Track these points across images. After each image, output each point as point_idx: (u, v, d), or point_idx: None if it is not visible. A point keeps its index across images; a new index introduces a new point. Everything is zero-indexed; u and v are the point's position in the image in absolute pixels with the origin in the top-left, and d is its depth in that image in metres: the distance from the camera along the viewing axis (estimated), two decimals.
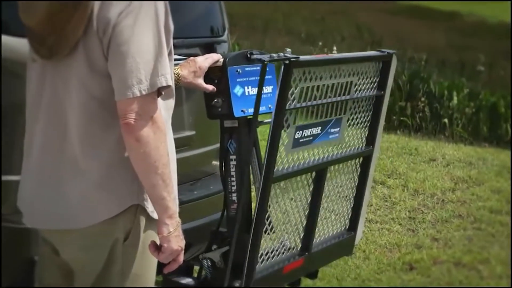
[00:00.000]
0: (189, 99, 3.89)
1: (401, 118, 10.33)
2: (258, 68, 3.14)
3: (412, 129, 10.23)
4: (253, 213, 3.06)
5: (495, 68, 13.87)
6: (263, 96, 3.05)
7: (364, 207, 3.74)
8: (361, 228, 3.77)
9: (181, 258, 2.67)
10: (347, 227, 3.72)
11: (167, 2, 2.57)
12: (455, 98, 10.38)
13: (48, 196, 2.64)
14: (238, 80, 3.17)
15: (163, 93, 2.57)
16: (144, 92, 2.46)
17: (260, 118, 3.10)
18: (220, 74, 3.17)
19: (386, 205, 6.77)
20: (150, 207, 2.63)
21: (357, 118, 3.51)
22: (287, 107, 2.97)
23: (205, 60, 3.17)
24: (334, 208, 3.61)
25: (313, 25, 18.97)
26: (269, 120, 2.97)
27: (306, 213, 3.39)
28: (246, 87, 3.17)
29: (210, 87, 3.17)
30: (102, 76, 2.51)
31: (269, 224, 3.19)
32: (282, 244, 3.33)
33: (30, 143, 2.69)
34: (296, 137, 3.12)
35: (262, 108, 3.16)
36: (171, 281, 3.32)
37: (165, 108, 2.68)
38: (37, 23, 2.52)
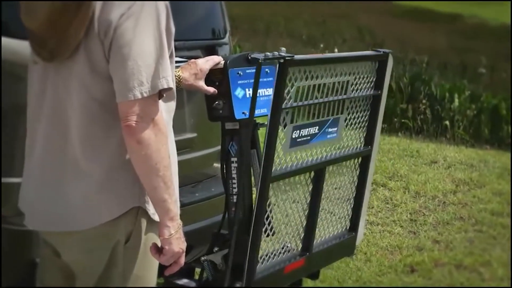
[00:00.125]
0: (190, 101, 3.89)
1: (403, 120, 10.33)
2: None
3: (414, 131, 10.23)
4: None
5: (496, 70, 13.88)
6: (264, 98, 3.05)
7: (365, 208, 3.75)
8: (362, 228, 3.77)
9: (182, 260, 2.67)
10: (347, 228, 3.73)
11: (168, 4, 2.57)
12: (456, 101, 10.38)
13: (49, 198, 2.64)
14: (239, 82, 3.17)
15: (164, 95, 2.57)
16: (145, 94, 2.47)
17: (262, 121, 3.10)
18: (221, 76, 3.17)
19: (388, 207, 6.77)
20: (151, 209, 2.63)
21: (355, 118, 3.52)
22: (283, 106, 2.97)
23: (206, 62, 3.17)
24: (334, 209, 3.61)
25: (314, 28, 18.99)
26: None
27: (306, 214, 3.39)
28: (247, 89, 3.17)
29: (211, 89, 3.17)
30: (103, 78, 2.51)
31: (269, 225, 3.19)
32: (284, 247, 3.33)
33: (32, 145, 2.70)
34: (293, 136, 3.12)
35: (263, 110, 3.17)
36: (172, 283, 3.32)
37: (166, 110, 2.68)
38: (39, 25, 2.52)
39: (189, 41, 3.89)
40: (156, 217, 2.63)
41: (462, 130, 10.15)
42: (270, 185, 3.05)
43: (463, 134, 10.09)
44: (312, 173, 3.36)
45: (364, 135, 3.63)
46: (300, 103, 3.10)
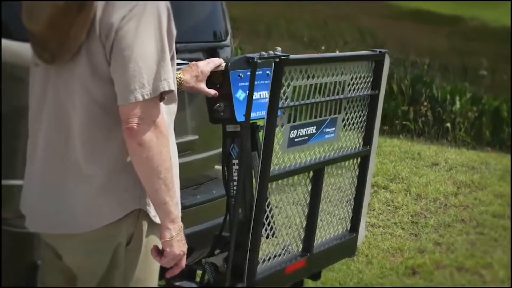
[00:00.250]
0: (191, 104, 3.89)
1: (404, 123, 10.33)
2: (260, 72, 3.14)
3: (415, 134, 10.23)
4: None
5: (498, 72, 13.87)
6: (264, 100, 3.05)
7: (365, 208, 3.75)
8: (362, 229, 3.78)
9: (184, 263, 2.67)
10: (348, 229, 3.73)
11: (169, 6, 2.57)
12: (457, 103, 10.38)
13: (51, 200, 2.64)
14: (240, 84, 3.17)
15: (165, 97, 2.57)
16: (146, 97, 2.47)
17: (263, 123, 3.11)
18: (222, 78, 3.17)
19: (389, 209, 6.77)
20: (152, 212, 2.64)
21: (352, 118, 3.52)
22: (280, 106, 2.98)
23: (207, 65, 3.18)
24: (335, 209, 3.62)
25: (315, 30, 18.99)
26: None
27: (305, 214, 3.39)
28: (247, 91, 3.17)
29: (212, 91, 3.17)
30: (104, 81, 2.52)
31: (269, 226, 3.19)
32: (284, 247, 3.34)
33: (33, 147, 2.70)
34: (291, 136, 3.13)
35: (264, 113, 3.17)
36: (174, 285, 3.32)
37: (167, 112, 2.68)
38: (40, 27, 2.53)
39: (190, 43, 3.89)
40: (157, 220, 2.63)
41: (463, 132, 10.14)
42: (270, 185, 3.06)
43: (464, 136, 10.09)
44: (311, 173, 3.36)
45: (363, 135, 3.63)
46: (297, 103, 3.11)
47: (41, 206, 2.67)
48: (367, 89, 3.56)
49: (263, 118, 3.09)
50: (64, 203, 2.61)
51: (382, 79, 3.60)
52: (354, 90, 3.46)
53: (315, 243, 3.44)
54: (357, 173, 3.67)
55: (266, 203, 3.09)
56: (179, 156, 2.83)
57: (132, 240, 2.66)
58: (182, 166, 2.85)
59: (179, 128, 2.96)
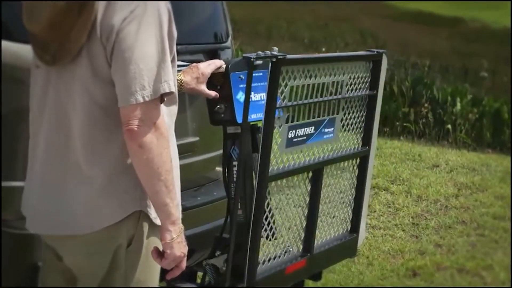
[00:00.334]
0: (192, 105, 3.89)
1: (405, 124, 10.33)
2: (261, 73, 3.14)
3: (416, 135, 10.23)
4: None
5: (498, 74, 13.88)
6: (263, 102, 3.05)
7: (365, 209, 3.75)
8: (363, 230, 3.78)
9: (184, 265, 2.67)
10: (348, 229, 3.73)
11: (170, 8, 2.58)
12: (458, 104, 10.39)
13: (52, 201, 2.64)
14: (241, 86, 3.17)
15: (166, 99, 2.57)
16: (147, 99, 2.47)
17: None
18: (223, 80, 3.18)
19: (390, 211, 6.77)
20: (153, 213, 2.64)
21: (351, 118, 3.53)
22: (277, 106, 2.98)
23: (208, 66, 3.18)
24: (335, 210, 3.62)
25: (316, 31, 19.01)
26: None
27: (305, 215, 3.39)
28: None
29: (212, 93, 3.17)
30: (105, 83, 2.52)
31: (269, 227, 3.19)
32: (285, 250, 3.34)
33: (34, 148, 2.70)
34: (289, 136, 3.13)
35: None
36: (174, 287, 3.32)
37: (168, 114, 2.68)
38: (41, 29, 2.53)
39: (191, 45, 3.89)
40: (157, 221, 2.63)
41: (464, 134, 10.14)
42: (269, 186, 3.06)
43: (465, 138, 10.09)
44: (310, 174, 3.36)
45: (362, 135, 3.64)
46: (295, 103, 3.11)
47: (42, 207, 2.67)
48: (365, 89, 3.57)
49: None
50: (65, 204, 2.61)
51: (380, 79, 3.61)
52: (352, 90, 3.47)
53: (315, 244, 3.44)
54: (356, 174, 3.68)
55: (266, 204, 3.09)
56: (180, 158, 2.83)
57: (133, 241, 2.66)
58: (182, 167, 2.85)
59: (180, 129, 2.96)
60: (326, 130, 3.35)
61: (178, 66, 2.81)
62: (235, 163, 3.24)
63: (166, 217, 2.58)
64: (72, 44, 2.49)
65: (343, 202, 3.66)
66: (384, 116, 10.28)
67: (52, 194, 2.64)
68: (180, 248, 2.61)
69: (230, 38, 4.32)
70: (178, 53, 2.71)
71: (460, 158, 8.76)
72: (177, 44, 2.64)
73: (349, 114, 3.51)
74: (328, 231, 3.59)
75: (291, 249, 3.36)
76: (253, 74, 3.13)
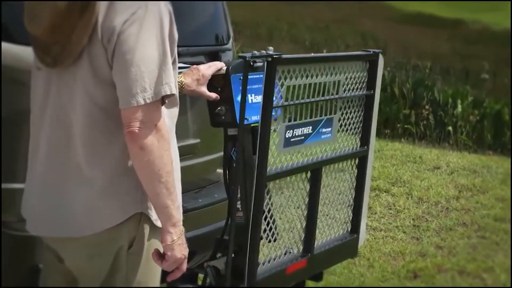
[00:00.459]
0: (193, 107, 3.90)
1: (406, 126, 10.33)
2: (261, 75, 3.14)
3: (417, 137, 10.23)
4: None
5: (499, 76, 13.89)
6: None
7: (365, 209, 3.75)
8: (363, 230, 3.78)
9: (185, 266, 2.68)
10: (349, 230, 3.73)
11: (171, 10, 2.58)
12: (459, 106, 10.39)
13: (52, 203, 2.64)
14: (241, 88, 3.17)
15: (167, 101, 2.57)
16: (148, 101, 2.47)
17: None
18: (223, 82, 3.18)
19: (391, 213, 6.77)
20: (154, 215, 2.64)
21: (349, 118, 3.54)
22: (274, 105, 2.99)
23: (208, 68, 3.18)
24: (335, 211, 3.62)
25: (317, 33, 19.02)
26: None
27: (305, 215, 3.40)
28: (249, 95, 3.18)
29: (213, 95, 3.17)
30: (106, 85, 2.52)
31: (270, 230, 3.19)
32: (286, 251, 3.34)
33: (35, 150, 2.70)
34: (287, 136, 3.14)
35: None
36: None
37: (169, 116, 2.69)
38: (42, 32, 2.53)
39: (192, 47, 3.89)
40: (158, 223, 2.63)
41: (465, 136, 10.15)
42: (269, 187, 3.06)
43: (466, 139, 10.09)
44: (309, 174, 3.37)
45: (360, 136, 3.64)
46: (291, 102, 3.12)
47: (42, 208, 2.68)
48: (362, 89, 3.57)
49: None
50: (65, 206, 2.61)
51: (377, 79, 3.61)
52: (349, 90, 3.47)
53: (316, 244, 3.44)
54: (355, 174, 3.68)
55: (264, 205, 3.09)
56: (181, 160, 2.83)
57: (134, 243, 2.66)
58: (183, 169, 2.85)
59: (181, 131, 2.96)
60: (323, 130, 3.36)
61: (179, 68, 2.81)
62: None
63: (167, 219, 2.58)
64: (73, 46, 2.50)
65: (343, 203, 3.66)
66: (385, 118, 10.29)
67: (53, 195, 2.64)
68: (181, 250, 2.62)
69: (231, 40, 4.32)
70: (179, 55, 2.71)
71: (461, 160, 8.77)
72: (178, 46, 2.64)
73: (346, 114, 3.51)
74: (329, 231, 3.59)
75: (291, 250, 3.37)
76: (254, 76, 3.14)
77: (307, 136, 3.26)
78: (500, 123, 10.27)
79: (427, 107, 10.39)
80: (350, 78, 3.46)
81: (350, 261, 5.43)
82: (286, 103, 3.09)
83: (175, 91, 2.57)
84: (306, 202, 3.39)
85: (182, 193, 2.77)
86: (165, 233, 2.58)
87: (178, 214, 2.61)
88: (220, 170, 3.99)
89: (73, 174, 2.59)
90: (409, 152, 8.92)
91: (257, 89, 3.18)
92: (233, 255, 3.10)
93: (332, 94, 3.37)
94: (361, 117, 3.61)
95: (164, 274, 2.72)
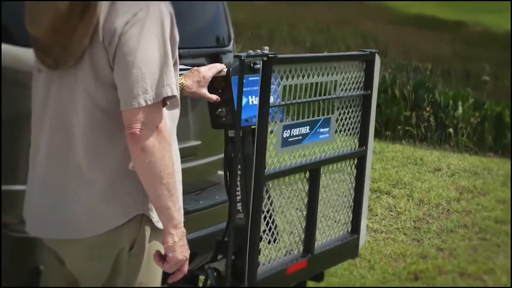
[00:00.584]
0: (194, 109, 3.90)
1: (406, 128, 10.33)
2: None
3: (417, 139, 10.23)
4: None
5: (500, 77, 13.89)
6: None
7: (365, 209, 3.75)
8: (363, 230, 3.78)
9: (186, 268, 2.67)
10: (349, 230, 3.73)
11: (172, 12, 2.58)
12: (460, 108, 10.39)
13: (53, 205, 2.64)
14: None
15: (168, 103, 2.57)
16: (149, 102, 2.47)
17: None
18: (224, 83, 3.18)
19: (391, 215, 6.77)
20: (155, 217, 2.64)
21: (347, 118, 3.54)
22: (270, 105, 2.99)
23: (209, 70, 3.18)
24: (335, 211, 3.62)
25: (318, 34, 19.03)
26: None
27: (305, 215, 3.40)
28: (249, 97, 3.18)
29: (214, 96, 3.17)
30: (107, 86, 2.52)
31: (270, 231, 3.19)
32: (286, 252, 3.34)
33: (36, 152, 2.70)
34: (284, 136, 3.14)
35: None
36: None
37: (170, 118, 2.69)
38: (43, 33, 2.53)
39: (193, 48, 3.89)
40: (160, 225, 2.63)
41: (465, 138, 10.14)
42: (268, 188, 3.06)
43: (466, 141, 10.09)
44: (308, 174, 3.37)
45: (358, 136, 3.64)
46: (288, 102, 3.12)
47: (44, 211, 2.67)
48: (359, 89, 3.57)
49: None
50: (66, 208, 2.61)
51: (373, 79, 3.61)
52: (346, 90, 3.47)
53: (316, 245, 3.44)
54: (354, 175, 3.68)
55: (264, 205, 3.09)
56: (182, 161, 2.83)
57: (135, 245, 2.66)
58: (184, 171, 2.85)
59: (182, 133, 2.96)
60: (321, 130, 3.36)
61: (180, 69, 2.82)
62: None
63: (168, 220, 2.58)
64: (74, 48, 2.50)
65: (343, 203, 3.66)
66: (386, 119, 10.29)
67: (54, 197, 2.64)
68: (182, 251, 2.61)
69: (232, 42, 4.32)
70: (180, 56, 2.71)
71: (462, 162, 8.76)
72: (179, 48, 2.64)
73: (344, 114, 3.51)
74: (329, 232, 3.59)
75: (292, 251, 3.37)
76: (254, 78, 3.14)
77: (305, 136, 3.27)
78: (501, 125, 10.27)
79: (428, 109, 10.39)
80: (347, 78, 3.46)
81: (351, 262, 5.44)
82: (283, 103, 3.09)
83: (176, 92, 2.58)
84: (305, 203, 3.40)
85: (183, 194, 2.77)
86: (167, 234, 2.58)
87: (179, 215, 2.61)
88: (221, 172, 4.00)
89: (74, 176, 2.59)
90: (410, 154, 8.92)
91: (257, 90, 3.18)
92: (233, 256, 3.10)
93: (329, 94, 3.37)
94: (359, 117, 3.62)
95: (165, 275, 2.72)
